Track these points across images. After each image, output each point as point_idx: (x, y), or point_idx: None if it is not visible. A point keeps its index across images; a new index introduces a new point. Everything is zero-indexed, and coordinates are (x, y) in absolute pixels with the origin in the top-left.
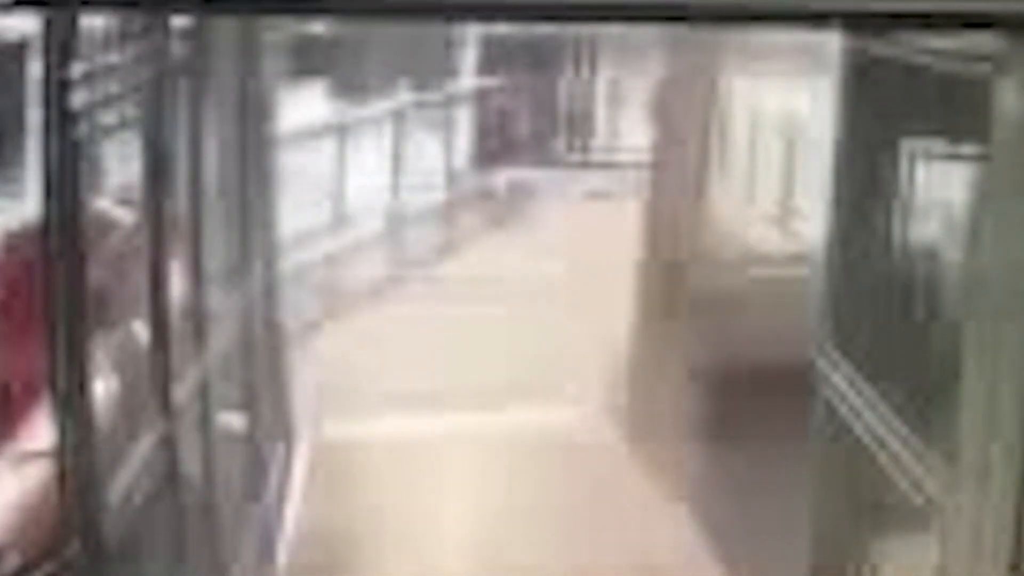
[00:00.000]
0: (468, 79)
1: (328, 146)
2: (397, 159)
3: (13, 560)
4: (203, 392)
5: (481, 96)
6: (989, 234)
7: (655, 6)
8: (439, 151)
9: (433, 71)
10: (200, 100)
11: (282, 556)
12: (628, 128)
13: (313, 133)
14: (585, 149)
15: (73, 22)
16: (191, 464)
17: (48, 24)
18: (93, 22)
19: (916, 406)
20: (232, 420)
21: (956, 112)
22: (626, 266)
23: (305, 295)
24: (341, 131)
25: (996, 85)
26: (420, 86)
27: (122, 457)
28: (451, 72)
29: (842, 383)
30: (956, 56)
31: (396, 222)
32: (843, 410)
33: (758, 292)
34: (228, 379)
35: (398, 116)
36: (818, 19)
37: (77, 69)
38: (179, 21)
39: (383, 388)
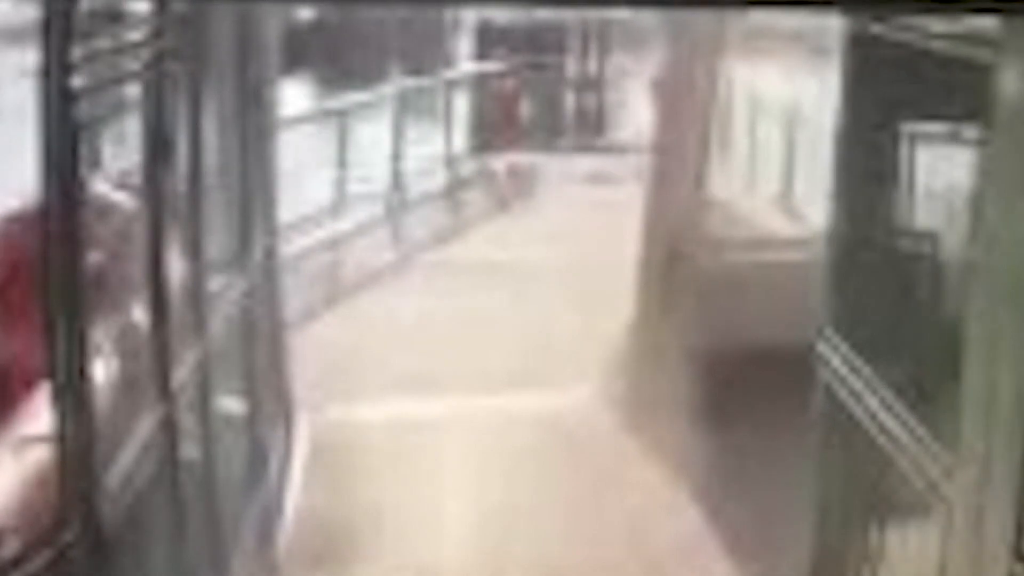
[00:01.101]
0: (468, 63)
1: (328, 131)
2: (397, 144)
3: (13, 544)
4: (203, 376)
5: (482, 80)
6: (990, 217)
7: None
8: (440, 135)
9: (432, 56)
10: (199, 85)
11: (282, 540)
12: (631, 112)
13: (313, 118)
14: (588, 133)
15: (72, 5)
16: (191, 448)
17: (47, 7)
18: (91, 5)
19: (917, 390)
20: (232, 404)
21: (958, 96)
22: (627, 250)
23: (306, 279)
24: (340, 116)
25: (997, 68)
26: (418, 71)
27: (122, 442)
28: (452, 57)
29: (843, 367)
30: (957, 39)
31: (396, 207)
32: (844, 394)
33: (758, 276)
34: (228, 363)
35: (397, 101)
36: (820, 1)
37: (76, 53)
38: (177, 6)
39: (384, 372)
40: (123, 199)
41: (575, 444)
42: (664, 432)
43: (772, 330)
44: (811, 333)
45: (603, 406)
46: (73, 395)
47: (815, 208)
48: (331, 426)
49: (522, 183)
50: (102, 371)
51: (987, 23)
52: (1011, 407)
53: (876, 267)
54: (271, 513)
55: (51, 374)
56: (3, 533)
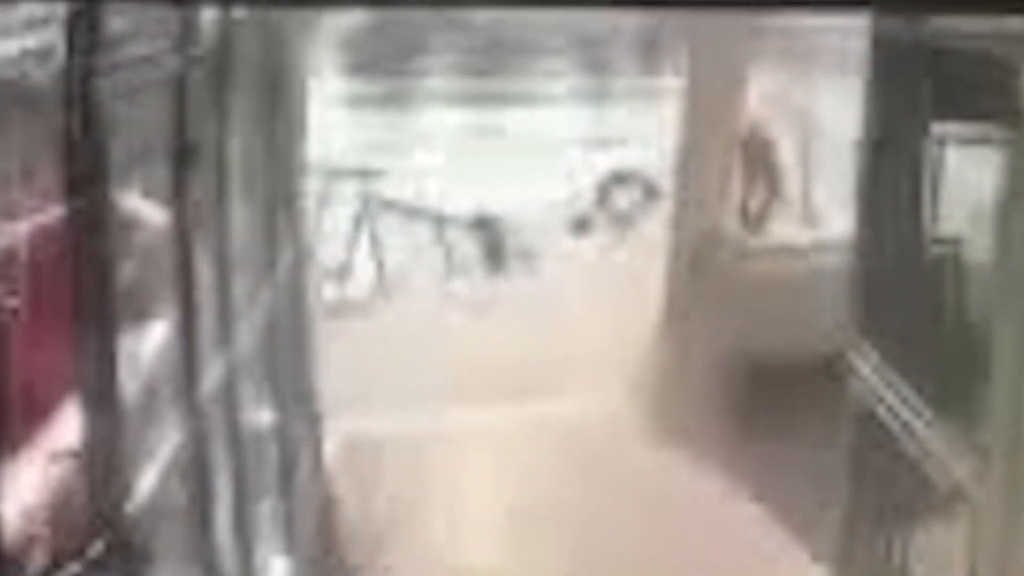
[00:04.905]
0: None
1: None
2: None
3: (42, 556)
4: (231, 387)
5: None
6: (1018, 221)
7: None
8: None
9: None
10: (226, 89)
11: (311, 552)
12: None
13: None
14: None
15: (96, 14)
16: (219, 459)
17: (71, 16)
18: (117, 14)
19: (946, 395)
20: (260, 415)
21: (986, 98)
22: (654, 255)
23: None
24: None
25: None
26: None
27: (151, 453)
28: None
29: (871, 373)
30: (985, 39)
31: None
32: (872, 399)
33: (783, 283)
34: (256, 374)
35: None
36: (849, 2)
37: (102, 62)
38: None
39: (414, 381)
40: (150, 208)
41: (610, 451)
42: (696, 438)
43: (799, 337)
44: (838, 340)
45: (632, 413)
46: (102, 407)
47: (843, 213)
48: (361, 437)
49: None
50: (131, 382)
51: (1015, 23)
52: None
53: (904, 273)
54: (300, 524)
55: (80, 386)
56: (33, 544)
